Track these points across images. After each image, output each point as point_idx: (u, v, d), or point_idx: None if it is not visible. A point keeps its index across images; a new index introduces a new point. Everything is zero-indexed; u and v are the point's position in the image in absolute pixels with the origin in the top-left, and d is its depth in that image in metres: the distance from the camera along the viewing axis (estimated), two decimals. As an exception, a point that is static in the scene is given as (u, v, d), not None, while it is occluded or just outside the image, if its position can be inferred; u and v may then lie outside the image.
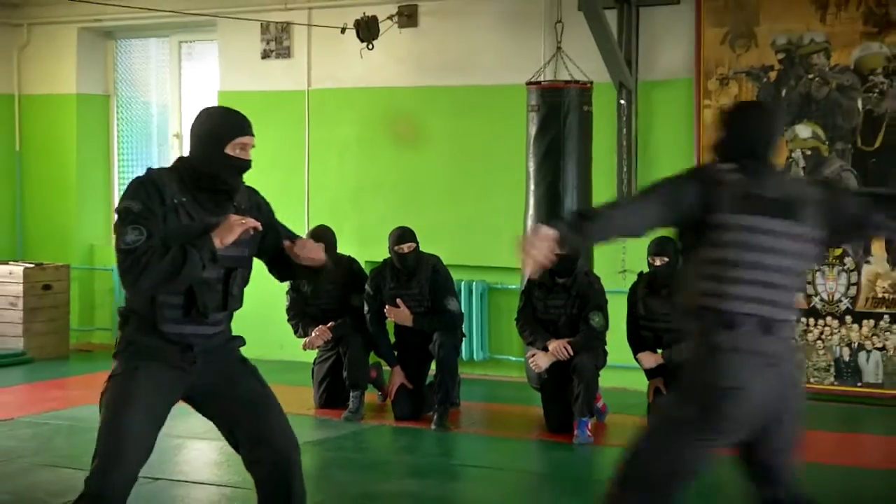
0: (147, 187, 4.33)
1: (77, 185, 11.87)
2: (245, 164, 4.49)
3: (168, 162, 11.68)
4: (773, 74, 9.28)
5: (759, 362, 3.93)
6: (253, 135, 4.50)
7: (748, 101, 4.20)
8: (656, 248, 7.82)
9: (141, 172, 4.51)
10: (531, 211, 8.90)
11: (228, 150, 4.41)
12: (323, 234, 8.78)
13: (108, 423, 4.30)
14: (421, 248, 8.57)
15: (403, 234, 8.48)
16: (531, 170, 8.93)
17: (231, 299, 4.59)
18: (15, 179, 12.12)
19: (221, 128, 4.43)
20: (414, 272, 8.48)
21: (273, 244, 4.79)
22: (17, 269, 11.10)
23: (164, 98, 12.02)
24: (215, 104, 11.10)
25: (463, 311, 9.15)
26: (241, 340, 4.67)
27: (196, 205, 4.42)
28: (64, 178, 11.93)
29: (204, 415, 4.63)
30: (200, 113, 4.51)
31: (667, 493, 4.04)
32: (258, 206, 4.76)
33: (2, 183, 12.04)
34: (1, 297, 11.08)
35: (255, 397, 4.57)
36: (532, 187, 8.92)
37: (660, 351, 7.85)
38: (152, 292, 4.32)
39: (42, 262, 11.48)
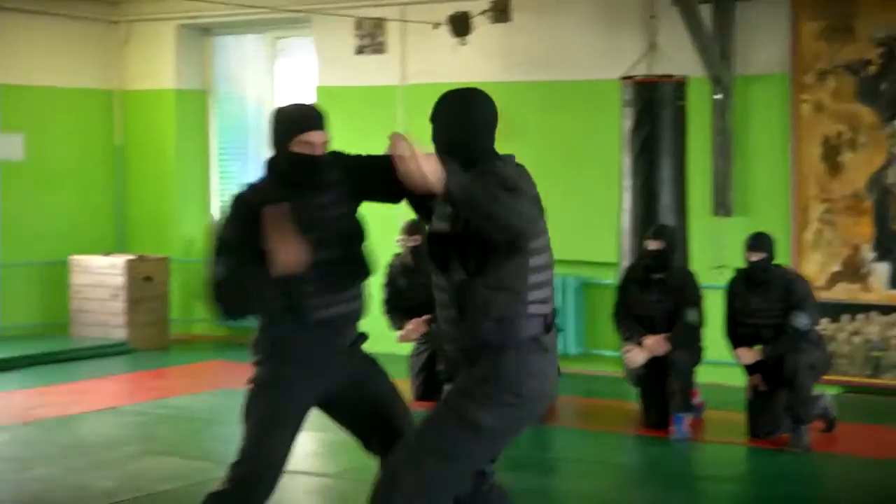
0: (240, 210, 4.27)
1: (176, 178, 12.04)
2: (311, 161, 4.27)
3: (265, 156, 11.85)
4: (872, 68, 9.13)
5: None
6: (322, 128, 4.30)
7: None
8: (753, 244, 7.74)
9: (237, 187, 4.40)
10: (627, 206, 8.86)
11: (295, 148, 4.27)
12: (417, 227, 8.83)
13: (257, 440, 4.25)
14: (514, 243, 8.54)
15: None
16: (626, 165, 8.89)
17: (355, 265, 4.44)
18: (116, 174, 12.32)
19: (286, 124, 4.30)
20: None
21: (376, 181, 4.37)
22: (119, 262, 11.29)
23: (259, 94, 12.14)
24: (312, 100, 11.24)
25: (557, 306, 9.11)
26: (364, 337, 4.60)
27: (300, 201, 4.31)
28: (163, 172, 12.10)
29: (334, 418, 4.57)
30: (272, 111, 4.42)
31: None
32: (345, 171, 4.43)
33: (104, 177, 12.24)
34: (103, 289, 11.28)
35: (385, 398, 4.54)
36: (627, 182, 8.87)
37: (758, 347, 7.77)
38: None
39: (143, 254, 11.66)
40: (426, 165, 3.77)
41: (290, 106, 4.41)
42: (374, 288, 9.20)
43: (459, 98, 4.22)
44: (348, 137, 11.01)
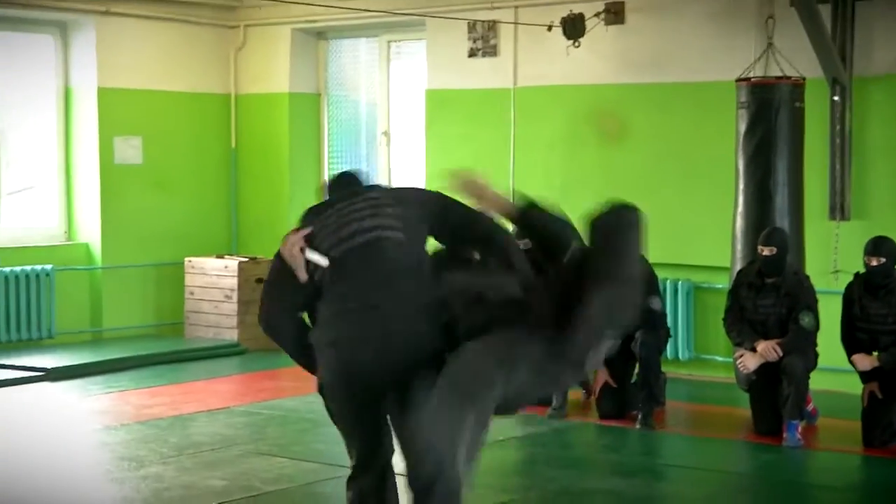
0: None
1: (290, 181, 12.19)
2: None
3: (378, 160, 11.94)
4: None
5: None
6: None
7: None
8: (873, 248, 7.61)
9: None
10: (740, 209, 8.75)
11: None
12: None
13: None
14: (626, 247, 8.49)
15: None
16: (740, 167, 8.78)
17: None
18: (230, 176, 12.51)
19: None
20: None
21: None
22: (233, 263, 11.46)
23: (372, 96, 12.24)
24: (422, 102, 11.31)
25: (668, 310, 9.05)
26: None
27: None
28: (277, 175, 12.26)
29: None
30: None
31: None
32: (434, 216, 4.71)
33: (218, 179, 12.44)
34: (217, 290, 11.47)
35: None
36: (741, 185, 8.76)
37: (875, 354, 7.62)
38: None
39: (256, 256, 11.82)
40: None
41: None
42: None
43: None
44: (459, 141, 11.11)
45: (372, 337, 4.36)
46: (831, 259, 9.24)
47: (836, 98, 9.31)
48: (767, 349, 7.77)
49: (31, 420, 8.40)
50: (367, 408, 4.45)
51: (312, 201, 13.11)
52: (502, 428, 8.17)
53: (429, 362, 4.31)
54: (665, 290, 9.85)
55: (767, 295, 7.89)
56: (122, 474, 6.89)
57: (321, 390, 4.54)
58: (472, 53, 11.10)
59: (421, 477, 4.13)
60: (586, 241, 4.36)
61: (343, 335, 4.40)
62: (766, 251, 7.85)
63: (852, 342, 7.73)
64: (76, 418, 8.48)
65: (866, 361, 7.65)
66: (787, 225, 8.51)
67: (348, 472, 4.69)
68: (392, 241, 4.49)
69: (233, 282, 11.37)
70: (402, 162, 11.96)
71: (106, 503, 6.32)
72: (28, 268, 10.97)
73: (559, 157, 10.66)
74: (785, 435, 7.61)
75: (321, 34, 12.43)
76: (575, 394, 8.81)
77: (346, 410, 4.49)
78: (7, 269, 10.83)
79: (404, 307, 4.39)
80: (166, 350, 10.88)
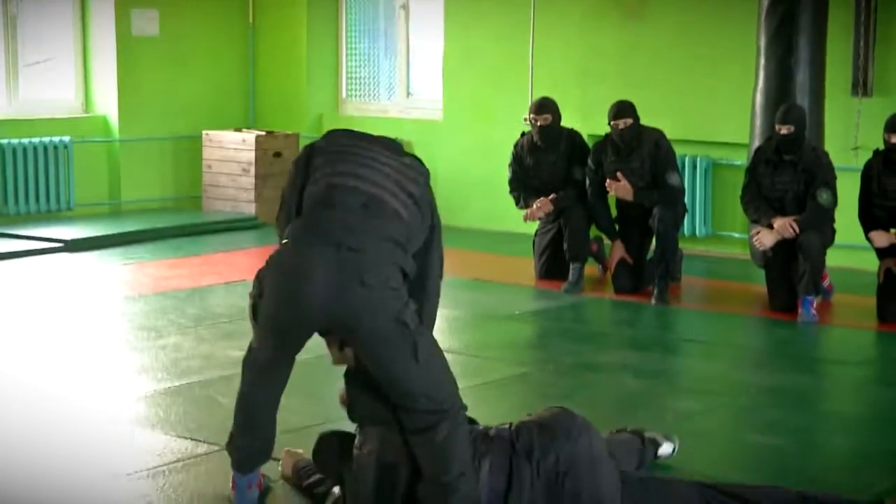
0: None
1: (307, 55, 12.07)
2: None
3: (397, 34, 11.81)
4: None
5: None
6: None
7: None
8: (893, 125, 7.52)
9: None
10: (761, 85, 8.64)
11: None
12: (547, 105, 8.75)
13: None
14: (644, 122, 8.43)
15: (620, 110, 8.34)
16: (762, 44, 8.64)
17: None
18: (248, 51, 12.40)
19: None
20: (634, 147, 8.36)
21: None
22: (250, 137, 11.42)
23: (391, -29, 12.05)
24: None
25: (686, 186, 9.00)
26: None
27: None
28: (294, 50, 12.14)
29: None
30: None
31: None
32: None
33: (235, 54, 12.33)
34: (234, 164, 11.45)
35: None
36: (762, 62, 8.64)
37: (893, 230, 7.58)
38: None
39: (273, 130, 11.78)
40: None
41: None
42: (501, 166, 9.22)
43: None
44: (478, 18, 10.96)
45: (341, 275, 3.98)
46: (852, 136, 9.14)
47: (860, -28, 9.13)
48: (784, 226, 7.73)
49: (50, 290, 8.46)
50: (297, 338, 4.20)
51: (329, 75, 13.07)
52: (518, 302, 8.23)
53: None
54: (683, 166, 9.78)
55: (785, 172, 7.83)
56: (140, 344, 6.96)
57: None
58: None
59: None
60: None
61: (312, 261, 4.01)
62: (783, 129, 7.77)
63: (870, 219, 7.70)
64: (95, 289, 8.53)
65: (883, 238, 7.62)
66: (808, 102, 8.41)
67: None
68: (398, 215, 4.15)
69: (250, 155, 11.34)
70: (421, 37, 11.83)
71: (125, 372, 6.38)
72: (46, 139, 10.95)
73: (578, 32, 10.52)
74: (800, 311, 7.62)
75: None
76: (591, 269, 8.82)
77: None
78: (26, 141, 10.82)
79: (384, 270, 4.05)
80: (184, 223, 10.90)
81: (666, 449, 4.93)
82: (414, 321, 4.06)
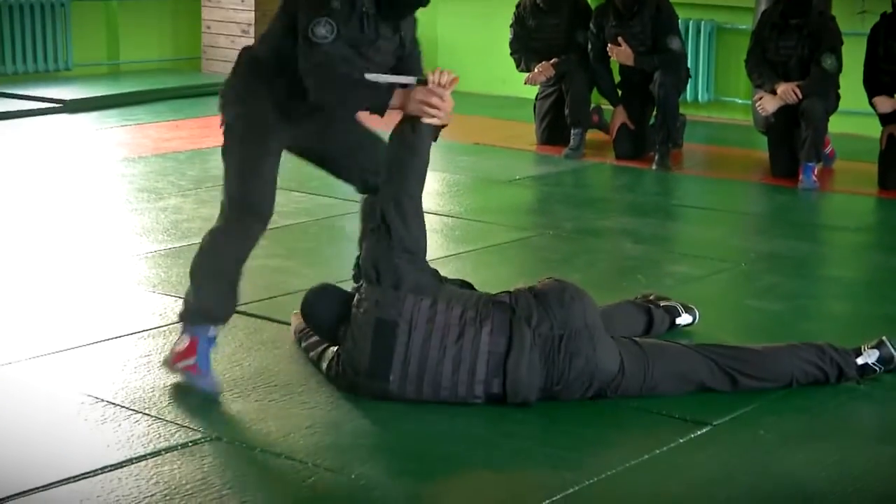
0: None
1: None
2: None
3: None
4: None
5: None
6: None
7: None
8: (903, -11, 7.41)
9: None
10: (768, -54, 8.48)
11: None
12: (550, -33, 8.61)
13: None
14: (647, -15, 8.31)
15: (621, -27, 8.21)
16: None
17: None
18: None
19: None
20: (635, 11, 8.24)
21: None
22: (250, -5, 11.29)
23: None
24: None
25: (689, 51, 8.91)
26: None
27: (380, 18, 4.23)
28: None
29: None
30: None
31: None
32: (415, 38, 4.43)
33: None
34: (233, 25, 11.32)
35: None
36: (771, -80, 8.46)
37: (897, 96, 7.53)
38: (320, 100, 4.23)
39: (273, -8, 11.61)
40: None
41: None
42: (502, 28, 9.11)
43: None
44: None
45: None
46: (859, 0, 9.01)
47: None
48: (787, 91, 7.66)
49: (49, 151, 8.43)
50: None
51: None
52: (518, 167, 8.21)
53: None
54: (687, 30, 9.68)
55: (790, 36, 7.74)
56: (141, 205, 6.95)
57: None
58: None
59: None
60: None
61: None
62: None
63: (875, 84, 7.63)
64: (94, 150, 8.50)
65: (887, 103, 7.56)
66: (816, -36, 8.27)
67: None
68: None
69: (249, 16, 11.20)
70: None
71: (125, 233, 6.38)
72: (43, -2, 10.82)
73: None
74: (801, 177, 7.60)
75: None
76: (593, 133, 8.77)
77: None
78: (22, -1, 10.69)
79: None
80: (184, 84, 10.82)
81: (685, 319, 4.93)
82: None
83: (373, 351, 4.11)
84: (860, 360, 4.42)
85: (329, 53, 4.13)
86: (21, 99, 9.92)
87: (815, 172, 7.61)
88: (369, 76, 4.19)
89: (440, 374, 4.07)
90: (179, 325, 4.38)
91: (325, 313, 4.32)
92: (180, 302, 4.45)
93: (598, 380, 4.14)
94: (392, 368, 4.08)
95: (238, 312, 4.54)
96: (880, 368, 4.42)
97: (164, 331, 4.85)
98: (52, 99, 9.89)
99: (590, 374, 4.13)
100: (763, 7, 8.24)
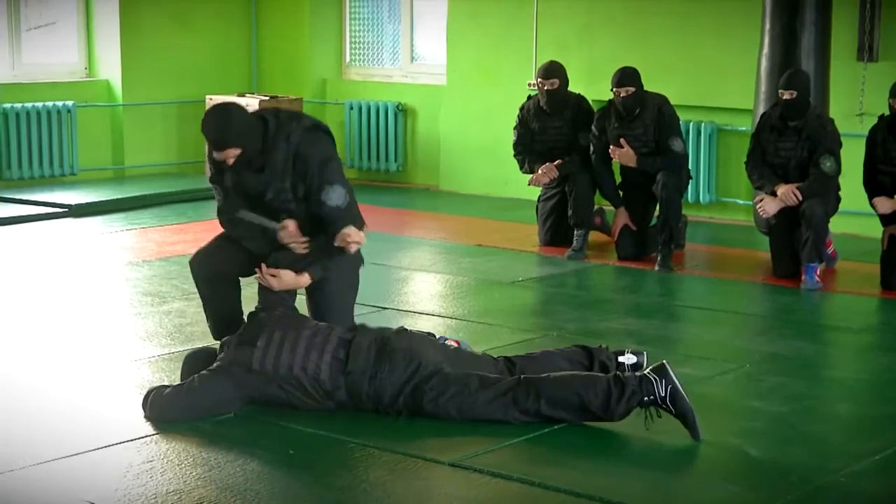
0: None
1: (310, 19, 12.04)
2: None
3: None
4: None
5: None
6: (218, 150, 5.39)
7: None
8: (900, 91, 7.50)
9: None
10: (766, 49, 8.60)
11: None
12: (555, 70, 8.72)
13: None
14: (648, 88, 8.40)
15: (623, 78, 8.30)
16: (767, 6, 8.60)
17: None
18: (251, 14, 12.37)
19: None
20: (637, 113, 8.34)
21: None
22: (253, 102, 11.38)
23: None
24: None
25: (690, 152, 8.99)
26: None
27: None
28: (297, 13, 12.11)
29: None
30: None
31: None
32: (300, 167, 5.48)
33: (238, 18, 12.30)
34: (238, 129, 11.42)
35: None
36: (767, 25, 8.60)
37: (897, 197, 7.58)
38: None
39: (276, 94, 11.76)
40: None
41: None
42: (506, 130, 9.21)
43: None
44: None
45: None
46: (857, 101, 9.13)
47: (868, -64, 9.08)
48: (787, 193, 7.72)
49: (54, 255, 8.48)
50: None
51: (333, 39, 13.01)
52: (521, 268, 8.24)
53: None
54: (687, 132, 9.78)
55: (789, 138, 7.81)
56: (144, 309, 6.98)
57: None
58: None
59: None
60: None
61: None
62: (786, 95, 7.75)
63: (874, 185, 7.69)
64: (99, 254, 8.55)
65: (887, 204, 7.61)
66: (813, 66, 8.39)
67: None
68: None
69: (253, 120, 11.31)
70: (425, 0, 11.79)
71: (129, 337, 6.40)
72: (49, 104, 10.95)
73: (582, 0, 10.49)
74: (803, 277, 7.62)
75: None
76: (595, 235, 8.82)
77: None
78: (29, 105, 10.82)
79: None
80: (188, 188, 10.91)
81: (629, 358, 5.33)
82: None
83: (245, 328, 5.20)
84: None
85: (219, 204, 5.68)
86: (26, 204, 10.01)
87: (818, 273, 7.64)
88: (239, 214, 5.42)
89: (295, 354, 5.01)
90: None
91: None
92: (183, 407, 4.44)
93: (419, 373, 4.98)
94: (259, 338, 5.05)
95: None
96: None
97: (167, 436, 4.84)
98: (57, 203, 9.98)
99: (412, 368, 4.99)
100: (762, 109, 8.35)
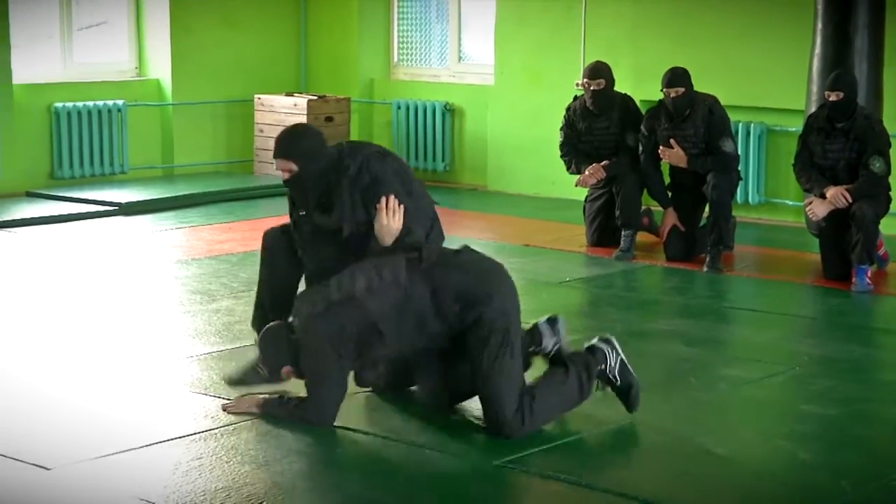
0: None
1: (358, 19, 12.05)
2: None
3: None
4: None
5: None
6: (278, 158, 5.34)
7: None
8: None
9: None
10: (818, 50, 8.52)
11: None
12: (600, 70, 8.69)
13: None
14: (698, 88, 8.36)
15: (673, 78, 8.25)
16: (819, 7, 8.52)
17: None
18: (300, 13, 12.40)
19: None
20: (687, 114, 8.29)
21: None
22: (301, 101, 11.44)
23: (443, -67, 11.99)
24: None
25: (739, 153, 8.92)
26: None
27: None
28: (345, 13, 12.12)
29: None
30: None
31: None
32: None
33: (288, 17, 12.34)
34: (286, 128, 11.46)
35: None
36: (819, 26, 8.52)
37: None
38: None
39: (324, 94, 11.79)
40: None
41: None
42: (552, 130, 9.19)
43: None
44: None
45: None
46: (907, 101, 9.03)
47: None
48: (836, 195, 7.65)
49: (105, 253, 8.54)
50: None
51: (381, 39, 12.97)
52: (568, 269, 8.21)
53: None
54: (737, 132, 9.71)
55: (836, 140, 7.74)
56: (193, 307, 7.01)
57: None
58: None
59: None
60: None
61: None
62: (832, 96, 7.68)
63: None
64: (149, 252, 8.60)
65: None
66: (866, 67, 8.31)
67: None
68: None
69: (301, 120, 11.35)
70: (473, 0, 11.78)
71: (178, 335, 6.44)
72: (100, 103, 11.03)
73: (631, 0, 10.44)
74: (854, 280, 7.55)
75: None
76: (643, 235, 8.78)
77: None
78: (80, 104, 10.91)
79: None
80: (236, 187, 10.96)
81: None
82: None
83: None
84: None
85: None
86: (78, 202, 10.09)
87: (869, 275, 7.57)
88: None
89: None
90: None
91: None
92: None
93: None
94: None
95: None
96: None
97: (216, 433, 4.86)
98: (108, 202, 10.05)
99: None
100: (813, 109, 8.27)
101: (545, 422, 4.91)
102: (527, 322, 5.16)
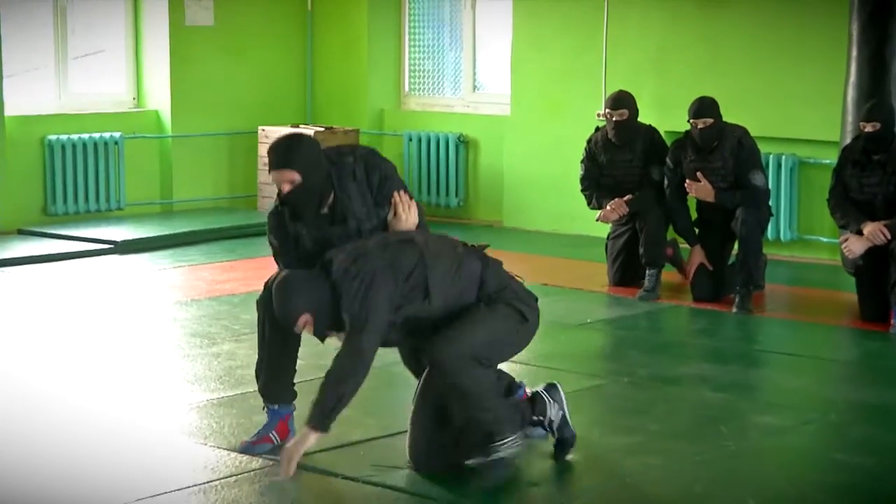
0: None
1: (367, 47, 12.13)
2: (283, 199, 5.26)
3: (462, 25, 11.84)
4: None
5: None
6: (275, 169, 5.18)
7: None
8: None
9: None
10: (852, 78, 8.55)
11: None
12: (624, 100, 8.72)
13: None
14: (726, 118, 8.38)
15: (701, 108, 8.27)
16: (854, 32, 8.56)
17: None
18: (306, 42, 12.48)
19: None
20: (715, 146, 8.30)
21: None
22: (308, 133, 11.48)
23: (456, -44, 12.09)
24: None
25: (770, 187, 8.94)
26: None
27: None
28: (354, 41, 12.20)
29: None
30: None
31: None
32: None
33: (293, 45, 12.42)
34: (291, 162, 11.50)
35: None
36: (854, 52, 8.55)
37: None
38: None
39: (332, 125, 11.84)
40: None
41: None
42: (572, 164, 9.21)
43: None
44: (548, 6, 10.95)
45: None
46: (950, 133, 9.02)
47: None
48: (874, 232, 7.65)
49: (100, 294, 8.57)
50: None
51: (391, 69, 13.08)
52: (590, 310, 8.22)
53: None
54: (768, 165, 9.72)
55: (873, 173, 7.75)
56: (193, 351, 7.03)
57: None
58: None
59: None
60: None
61: None
62: (868, 127, 7.69)
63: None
64: (146, 293, 8.63)
65: None
66: (903, 95, 8.33)
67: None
68: None
69: (308, 153, 11.40)
70: (488, 27, 11.85)
71: (177, 381, 6.45)
72: (97, 135, 11.10)
73: (656, 20, 10.48)
74: (893, 321, 7.54)
75: None
76: (669, 275, 8.78)
77: None
78: (75, 137, 10.97)
79: None
80: (239, 223, 10.99)
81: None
82: None
83: None
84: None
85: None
86: (72, 240, 10.13)
87: (909, 316, 7.56)
88: None
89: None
90: None
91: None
92: (233, 455, 4.47)
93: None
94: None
95: (300, 466, 4.57)
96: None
97: (216, 486, 4.87)
98: (103, 240, 10.09)
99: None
100: (849, 140, 8.29)
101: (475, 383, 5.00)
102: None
